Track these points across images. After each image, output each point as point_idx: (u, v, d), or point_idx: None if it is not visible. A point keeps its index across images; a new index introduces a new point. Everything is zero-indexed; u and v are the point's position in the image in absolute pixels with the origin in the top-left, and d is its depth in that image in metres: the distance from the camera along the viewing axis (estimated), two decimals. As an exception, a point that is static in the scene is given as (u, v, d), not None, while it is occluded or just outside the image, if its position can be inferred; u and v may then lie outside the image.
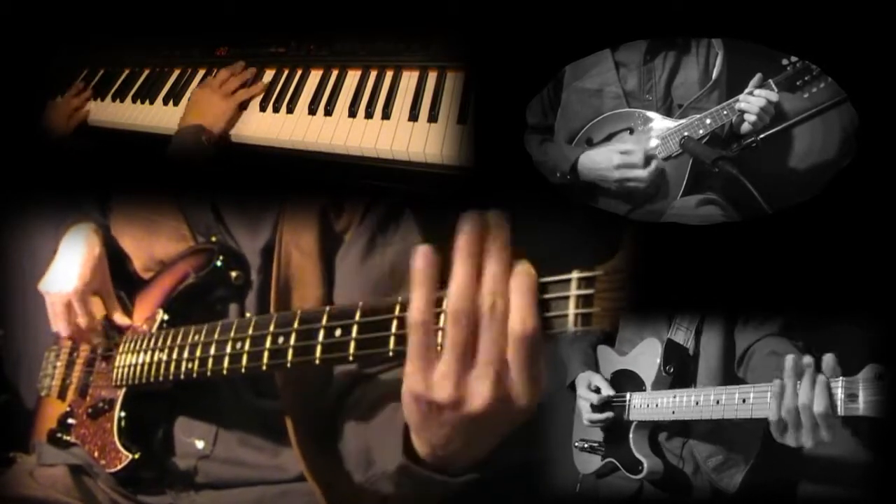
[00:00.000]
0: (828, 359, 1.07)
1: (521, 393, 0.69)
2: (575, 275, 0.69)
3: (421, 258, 0.70)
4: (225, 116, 1.40)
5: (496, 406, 0.69)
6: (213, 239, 1.23)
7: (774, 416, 1.10)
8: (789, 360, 1.09)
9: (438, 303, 0.71)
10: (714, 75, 1.21)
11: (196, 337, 1.05)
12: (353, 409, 1.08)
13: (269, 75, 1.46)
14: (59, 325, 1.26)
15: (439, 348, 0.71)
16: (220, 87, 1.43)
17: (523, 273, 0.69)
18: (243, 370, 0.96)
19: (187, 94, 1.51)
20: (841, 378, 1.05)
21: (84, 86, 1.65)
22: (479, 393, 0.69)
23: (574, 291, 0.68)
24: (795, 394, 1.08)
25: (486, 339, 0.68)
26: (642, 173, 1.22)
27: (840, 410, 1.04)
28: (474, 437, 0.74)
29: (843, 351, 1.22)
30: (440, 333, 0.71)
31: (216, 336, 1.02)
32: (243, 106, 1.43)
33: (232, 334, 0.99)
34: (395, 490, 0.87)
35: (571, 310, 0.68)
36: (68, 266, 1.25)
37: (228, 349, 0.98)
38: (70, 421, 1.28)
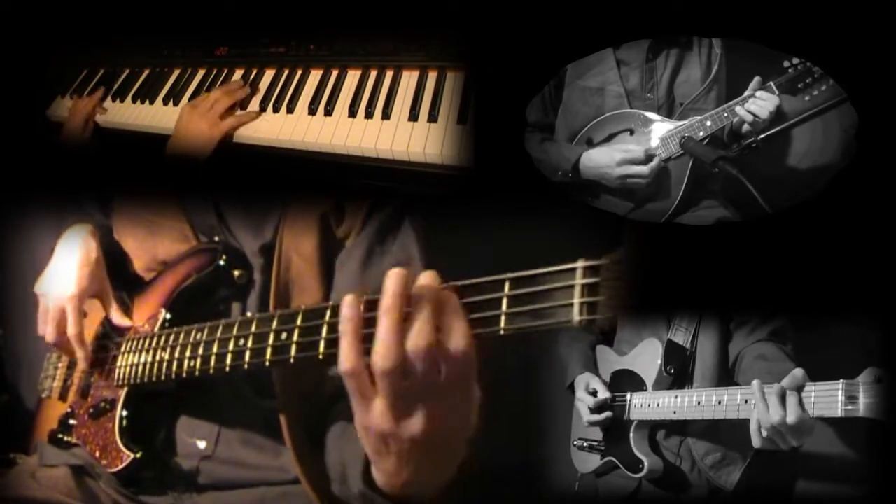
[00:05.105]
0: (795, 372, 1.14)
1: (456, 414, 0.75)
2: (580, 264, 0.69)
3: (347, 308, 0.76)
4: (209, 146, 1.36)
5: (432, 429, 0.74)
6: (217, 239, 1.23)
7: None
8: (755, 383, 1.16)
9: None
10: (711, 74, 1.21)
11: (198, 335, 1.06)
12: (337, 418, 1.08)
13: (269, 75, 1.46)
14: (47, 331, 1.24)
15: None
16: (210, 110, 1.38)
17: (450, 299, 0.73)
18: (246, 367, 0.97)
19: (187, 94, 1.51)
20: (841, 381, 1.07)
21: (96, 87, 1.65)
22: (415, 420, 0.74)
23: (580, 280, 0.68)
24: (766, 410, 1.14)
25: (417, 378, 0.73)
26: (644, 170, 1.22)
27: (840, 412, 1.07)
28: (421, 465, 0.78)
29: (838, 351, 1.23)
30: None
31: (218, 334, 1.02)
32: (242, 107, 1.43)
33: (234, 332, 0.99)
34: None
35: (577, 299, 0.68)
36: (66, 270, 1.24)
37: (231, 346, 0.98)
38: (71, 421, 1.28)
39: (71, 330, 1.23)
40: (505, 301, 0.72)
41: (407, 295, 0.74)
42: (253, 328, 0.96)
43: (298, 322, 0.89)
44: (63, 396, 1.33)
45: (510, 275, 0.73)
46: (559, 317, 0.69)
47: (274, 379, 1.14)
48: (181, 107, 1.49)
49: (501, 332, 0.72)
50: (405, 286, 0.74)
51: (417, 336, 0.72)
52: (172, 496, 1.19)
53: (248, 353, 0.96)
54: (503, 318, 0.72)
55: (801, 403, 1.11)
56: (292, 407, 1.12)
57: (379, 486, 0.84)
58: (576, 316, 0.68)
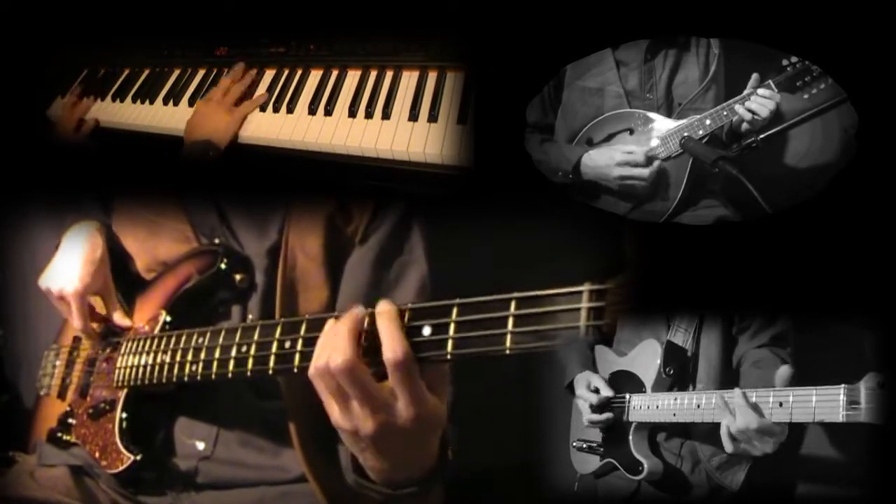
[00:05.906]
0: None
1: (403, 409, 0.81)
2: (586, 287, 0.70)
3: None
4: (230, 130, 1.38)
5: (385, 426, 0.82)
6: (218, 241, 1.23)
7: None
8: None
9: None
10: (709, 74, 1.21)
11: (200, 340, 1.06)
12: None
13: (269, 75, 1.46)
14: (74, 321, 1.24)
15: None
16: (224, 98, 1.41)
17: (384, 310, 0.81)
18: (249, 374, 0.97)
19: (187, 94, 1.51)
20: (843, 386, 1.07)
21: (84, 90, 1.65)
22: (365, 420, 0.82)
23: (586, 304, 0.69)
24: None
25: (354, 385, 0.81)
26: (644, 172, 1.22)
27: (841, 417, 1.07)
28: (393, 454, 0.87)
29: (838, 351, 1.23)
30: None
31: (221, 340, 1.02)
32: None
33: (237, 338, 0.99)
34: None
35: (583, 322, 0.69)
36: (69, 265, 1.24)
37: (234, 353, 0.98)
38: (70, 421, 1.28)
39: (76, 324, 1.23)
40: (511, 320, 0.74)
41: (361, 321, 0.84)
42: (256, 336, 0.96)
43: (302, 331, 0.89)
44: (62, 395, 1.33)
45: (516, 294, 0.74)
46: (564, 338, 0.71)
47: (281, 386, 1.15)
48: (182, 107, 1.49)
49: (507, 352, 0.75)
50: (359, 321, 0.84)
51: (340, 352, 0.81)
52: (171, 496, 1.19)
53: (250, 361, 0.96)
54: (509, 337, 0.74)
55: (757, 408, 1.13)
56: (300, 411, 1.13)
57: (371, 476, 0.91)
58: (581, 338, 0.70)
